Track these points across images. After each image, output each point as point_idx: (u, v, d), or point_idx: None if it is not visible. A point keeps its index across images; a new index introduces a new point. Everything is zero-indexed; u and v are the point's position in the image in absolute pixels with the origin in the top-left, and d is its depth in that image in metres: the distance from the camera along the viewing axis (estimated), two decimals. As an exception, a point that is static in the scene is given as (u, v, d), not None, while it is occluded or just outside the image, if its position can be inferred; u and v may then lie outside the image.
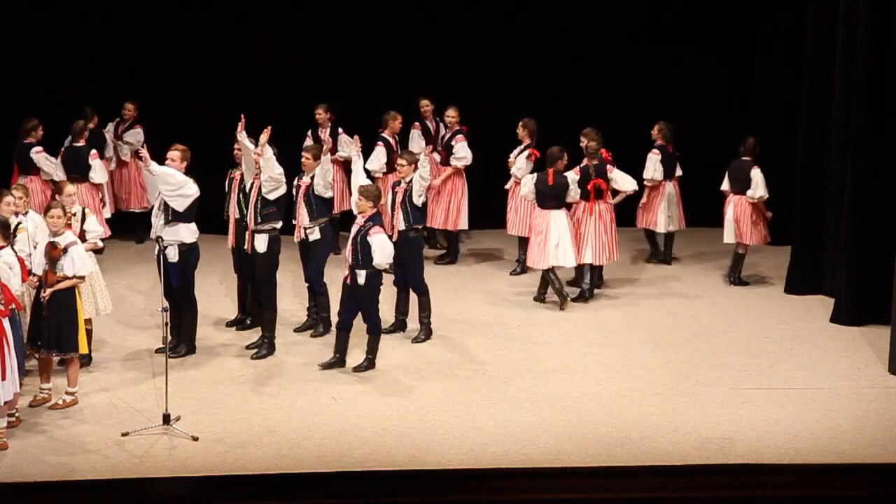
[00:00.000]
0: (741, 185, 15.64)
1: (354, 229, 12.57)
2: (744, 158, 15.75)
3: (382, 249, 12.40)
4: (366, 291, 12.52)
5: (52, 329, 11.32)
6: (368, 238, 12.40)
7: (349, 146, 16.52)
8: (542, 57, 17.98)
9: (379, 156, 16.21)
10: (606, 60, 18.05)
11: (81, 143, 16.06)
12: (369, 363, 12.64)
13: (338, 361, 12.67)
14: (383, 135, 16.33)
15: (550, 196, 14.67)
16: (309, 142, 16.49)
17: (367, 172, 14.31)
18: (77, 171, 15.77)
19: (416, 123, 16.88)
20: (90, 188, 15.92)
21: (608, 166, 15.14)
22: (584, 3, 18.03)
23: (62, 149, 16.10)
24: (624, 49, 18.08)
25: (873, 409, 11.80)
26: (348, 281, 12.59)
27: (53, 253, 11.31)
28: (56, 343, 11.36)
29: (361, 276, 12.46)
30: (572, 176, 14.88)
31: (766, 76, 17.54)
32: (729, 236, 15.77)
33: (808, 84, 15.49)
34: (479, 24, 17.90)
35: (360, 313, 12.63)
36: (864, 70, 14.01)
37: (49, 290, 11.26)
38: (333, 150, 15.63)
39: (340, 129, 16.75)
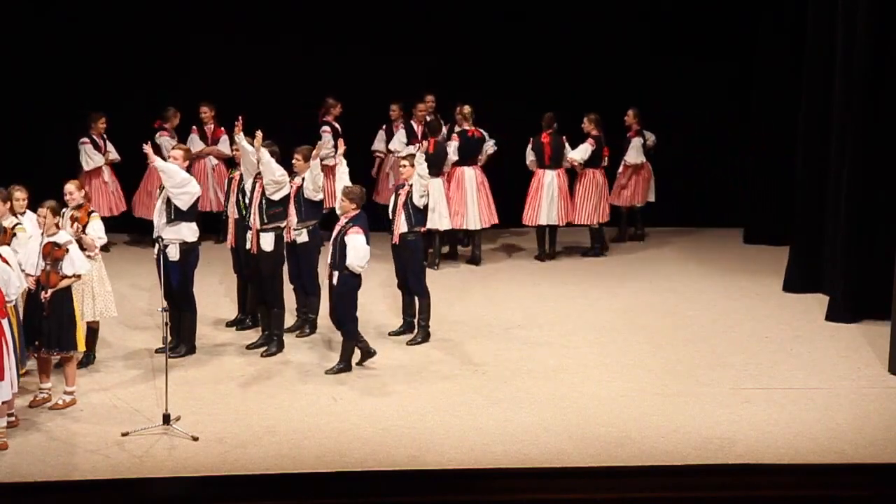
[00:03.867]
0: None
1: (336, 229, 12.53)
2: None
3: (356, 250, 12.27)
4: (341, 293, 12.47)
5: (52, 328, 11.32)
6: (346, 238, 12.36)
7: (329, 144, 16.59)
8: (538, 56, 17.97)
9: (400, 137, 17.08)
10: (606, 61, 18.05)
11: None
12: (342, 368, 12.55)
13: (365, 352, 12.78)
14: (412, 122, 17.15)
15: (431, 164, 15.35)
16: (324, 136, 16.60)
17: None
18: None
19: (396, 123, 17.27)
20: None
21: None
22: (585, 3, 18.02)
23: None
24: (624, 50, 18.08)
25: (873, 409, 11.79)
26: (332, 281, 12.58)
27: (56, 253, 11.29)
28: (56, 342, 11.36)
29: (335, 277, 12.43)
30: (455, 145, 16.30)
31: (766, 76, 17.54)
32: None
33: (808, 84, 15.49)
34: (479, 27, 17.90)
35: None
36: (864, 70, 14.01)
37: (51, 291, 11.26)
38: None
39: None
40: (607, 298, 15.14)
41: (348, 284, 12.43)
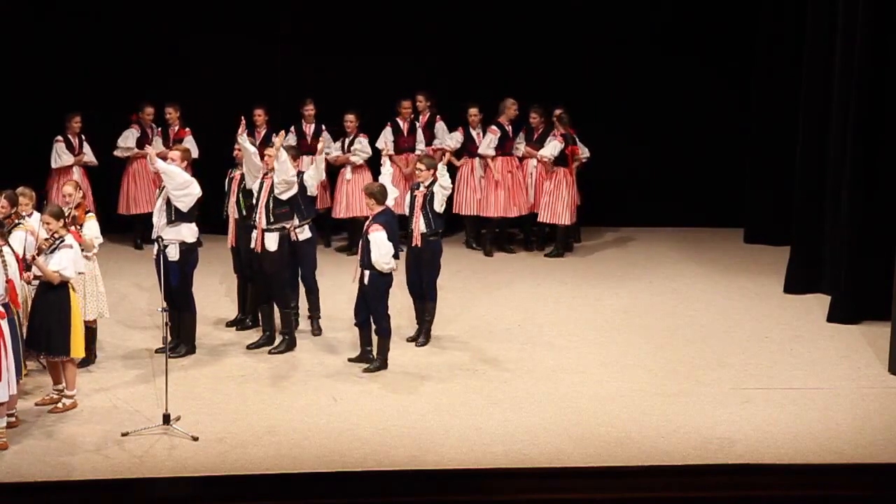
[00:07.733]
0: None
1: (364, 228, 12.62)
2: None
3: (378, 248, 12.31)
4: (371, 292, 12.50)
5: (42, 331, 11.18)
6: (368, 235, 12.39)
7: (331, 143, 16.62)
8: (538, 57, 17.97)
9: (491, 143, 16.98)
10: (605, 61, 18.04)
11: None
12: (380, 364, 12.60)
13: (365, 353, 12.70)
14: (499, 121, 16.89)
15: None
16: (291, 137, 16.51)
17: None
18: None
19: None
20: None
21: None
22: (584, 3, 18.01)
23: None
24: (623, 50, 18.07)
25: (873, 409, 11.80)
26: (358, 281, 12.60)
27: (43, 244, 11.19)
28: (46, 345, 11.21)
29: (366, 277, 12.47)
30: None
31: (766, 76, 17.53)
32: None
33: (808, 84, 15.49)
34: (477, 27, 17.88)
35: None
36: (864, 69, 14.00)
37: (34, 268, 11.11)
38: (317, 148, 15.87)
39: (323, 127, 16.83)
40: (607, 298, 15.13)
41: (378, 283, 12.47)
